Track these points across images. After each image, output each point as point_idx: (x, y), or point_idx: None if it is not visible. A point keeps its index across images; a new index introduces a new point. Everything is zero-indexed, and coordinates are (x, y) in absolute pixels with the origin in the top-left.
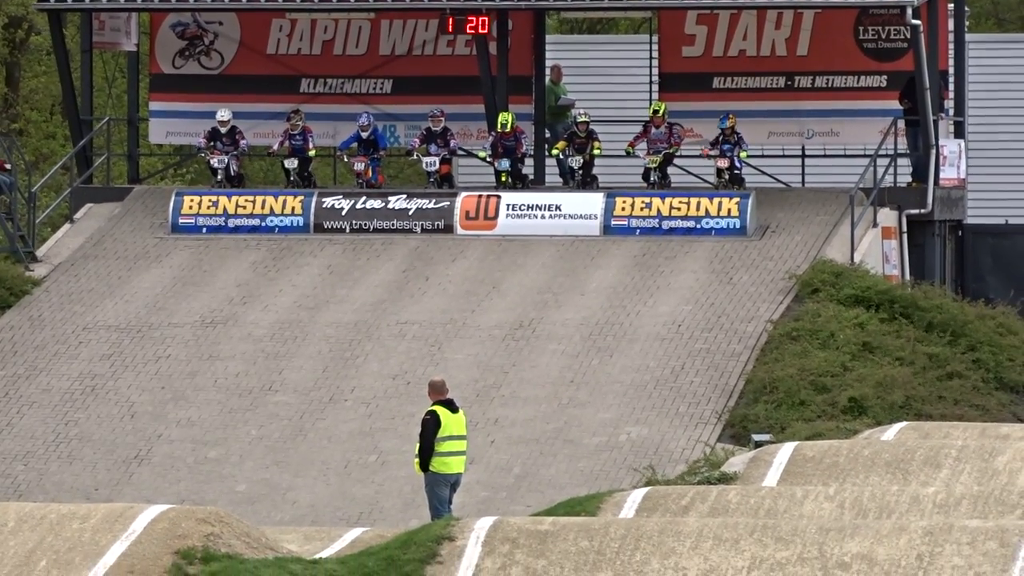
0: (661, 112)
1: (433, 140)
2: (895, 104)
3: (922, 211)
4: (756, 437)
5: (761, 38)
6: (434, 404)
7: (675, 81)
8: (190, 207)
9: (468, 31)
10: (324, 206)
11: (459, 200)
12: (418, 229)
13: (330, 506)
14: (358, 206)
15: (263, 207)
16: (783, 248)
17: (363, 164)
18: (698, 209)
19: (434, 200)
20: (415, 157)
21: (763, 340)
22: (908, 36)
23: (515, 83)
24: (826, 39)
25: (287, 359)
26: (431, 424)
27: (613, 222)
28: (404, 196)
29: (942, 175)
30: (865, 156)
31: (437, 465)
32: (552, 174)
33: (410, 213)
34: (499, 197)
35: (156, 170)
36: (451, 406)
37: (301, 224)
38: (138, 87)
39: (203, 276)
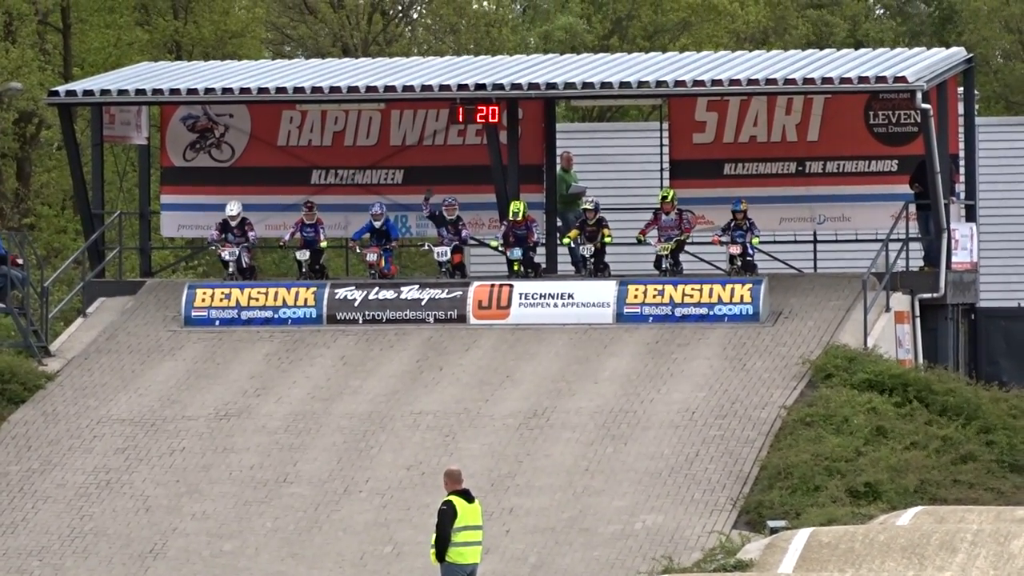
0: (670, 198)
1: (444, 226)
2: (906, 188)
3: (935, 295)
4: (771, 523)
5: (772, 124)
6: (450, 494)
7: (686, 168)
8: (203, 300)
9: (478, 120)
10: (337, 297)
11: (472, 290)
12: (431, 319)
13: None
14: (371, 297)
15: (276, 299)
16: (796, 334)
17: (376, 255)
18: (711, 296)
19: (447, 290)
20: (426, 247)
21: (777, 426)
22: (918, 120)
23: (526, 172)
24: (837, 124)
25: (301, 451)
26: (448, 514)
27: (626, 310)
28: (417, 286)
29: (954, 259)
30: (877, 241)
31: (453, 556)
32: (564, 262)
33: (423, 303)
34: (512, 286)
35: (168, 263)
36: (467, 496)
37: (314, 316)
38: (149, 180)
39: (216, 369)
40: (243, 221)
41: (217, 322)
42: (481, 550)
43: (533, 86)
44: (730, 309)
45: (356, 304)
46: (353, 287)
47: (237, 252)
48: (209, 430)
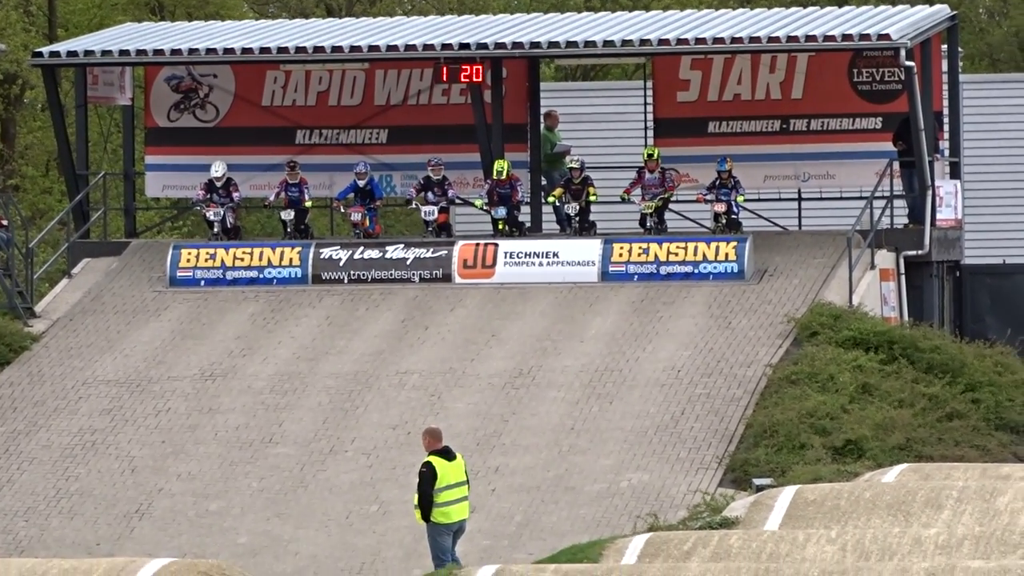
0: (654, 156)
1: (431, 188)
2: (890, 146)
3: (919, 252)
4: (757, 481)
5: (756, 82)
6: (430, 454)
7: (670, 126)
8: (188, 260)
9: (463, 80)
10: (322, 257)
11: (457, 249)
12: (416, 279)
13: (332, 557)
14: (356, 256)
15: (261, 259)
16: (781, 292)
17: (360, 214)
18: (695, 254)
19: (432, 249)
20: (413, 206)
21: (762, 384)
22: (902, 78)
23: (510, 131)
24: (821, 82)
25: (287, 411)
26: (428, 476)
27: (611, 268)
28: (402, 246)
29: (939, 216)
30: (861, 198)
31: (438, 516)
32: (549, 221)
33: (408, 263)
34: (496, 245)
35: (153, 224)
36: (447, 454)
37: (299, 275)
38: (133, 141)
39: (202, 329)
40: (228, 181)
41: (202, 282)
42: (468, 505)
43: (517, 45)
44: (715, 267)
45: (341, 264)
46: (338, 247)
47: (222, 212)
48: (195, 390)
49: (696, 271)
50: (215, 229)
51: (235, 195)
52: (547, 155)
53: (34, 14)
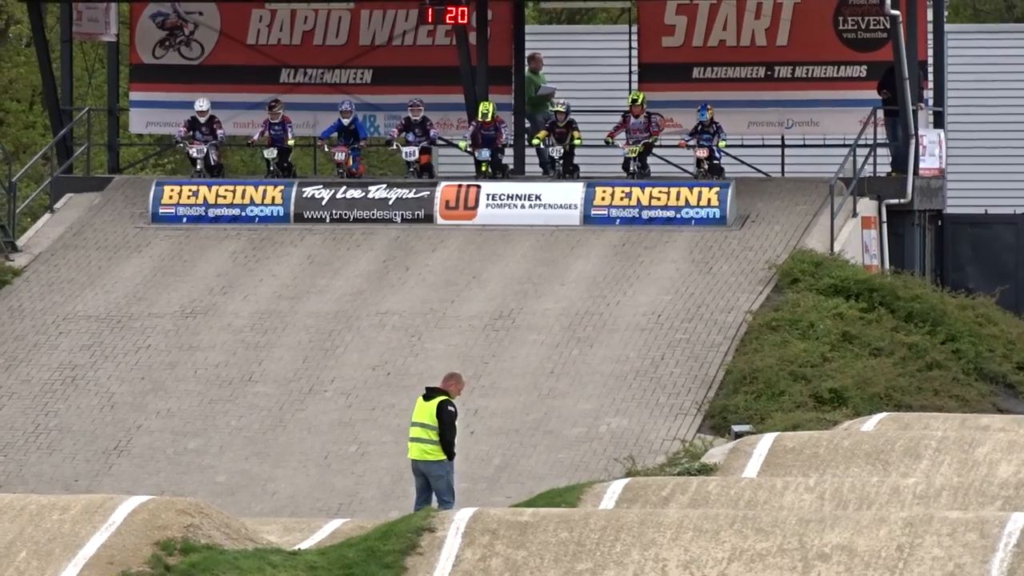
0: (640, 101)
1: (412, 129)
2: (875, 94)
3: (902, 201)
4: (736, 428)
5: (741, 28)
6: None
7: (655, 71)
8: (170, 197)
9: (448, 21)
10: (304, 196)
11: (439, 190)
12: (398, 219)
13: (310, 497)
14: (338, 196)
15: (243, 197)
16: (763, 238)
17: (344, 154)
18: (678, 199)
19: (414, 190)
20: (395, 147)
21: (743, 331)
22: (887, 26)
23: (495, 73)
24: (806, 29)
25: (267, 349)
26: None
27: (593, 212)
28: (384, 186)
29: (922, 165)
30: (845, 146)
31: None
32: (532, 164)
33: (390, 203)
34: (479, 187)
35: (136, 160)
36: (426, 394)
37: (281, 214)
38: (118, 77)
39: (183, 266)
40: (212, 119)
41: (184, 219)
42: (422, 448)
43: None
44: (697, 212)
45: (323, 203)
46: (320, 186)
47: (205, 149)
48: (175, 328)
49: (678, 216)
50: (198, 166)
51: (219, 132)
52: (531, 98)
53: None
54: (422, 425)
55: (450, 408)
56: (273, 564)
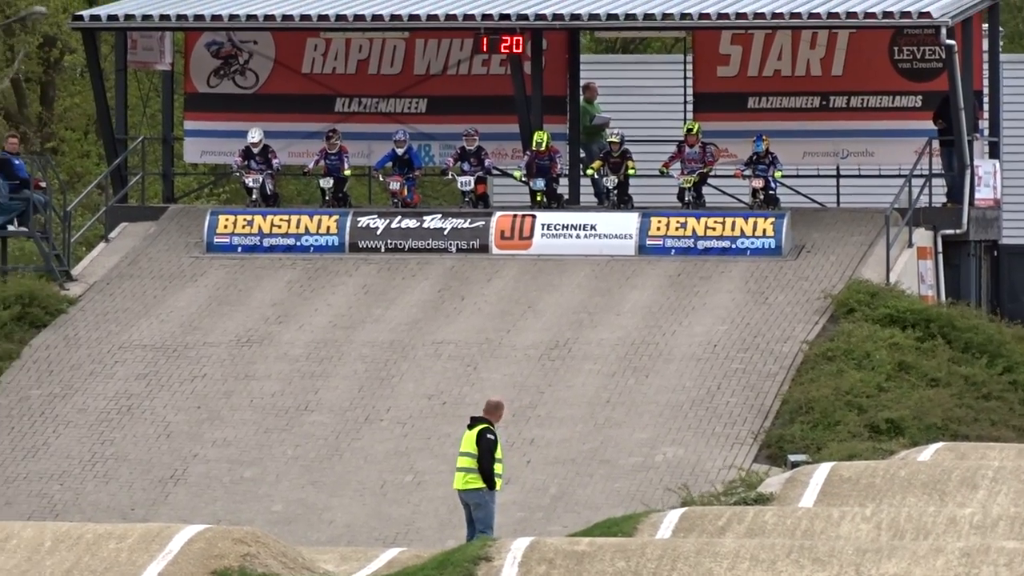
0: (695, 131)
1: (467, 159)
2: (930, 124)
3: (957, 231)
4: (792, 458)
5: (796, 58)
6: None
7: (709, 101)
8: (225, 226)
9: (502, 51)
10: (359, 225)
11: (494, 220)
12: (453, 249)
13: (366, 526)
14: (393, 225)
15: (298, 226)
16: (818, 268)
17: (398, 183)
18: (733, 229)
19: (469, 220)
20: (450, 176)
21: (799, 360)
22: (943, 56)
23: (549, 103)
24: (861, 59)
25: (323, 379)
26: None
27: (648, 242)
28: (439, 215)
29: (977, 195)
30: (900, 176)
31: None
32: (587, 194)
33: (445, 232)
34: (534, 217)
35: (191, 189)
36: (471, 422)
37: (336, 243)
38: (173, 106)
39: (238, 295)
40: (266, 148)
41: (239, 248)
42: (464, 477)
43: (557, 17)
44: (752, 243)
45: (379, 232)
46: (376, 215)
47: (260, 179)
48: (230, 357)
49: (733, 246)
50: (253, 196)
51: (274, 162)
52: (586, 127)
53: None
54: (465, 454)
55: (489, 436)
56: None
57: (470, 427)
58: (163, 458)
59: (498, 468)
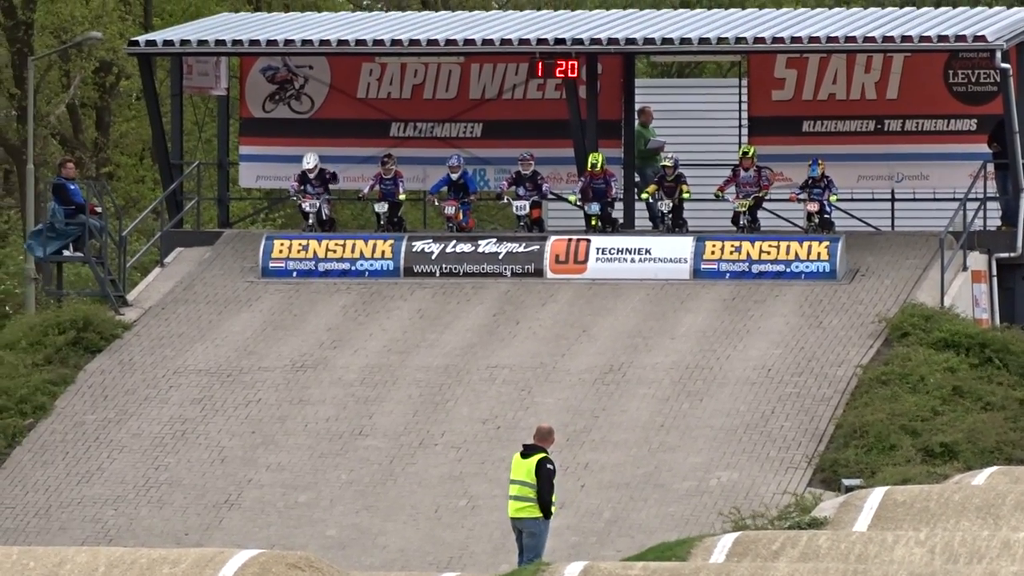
0: (750, 154)
1: (523, 183)
2: (985, 147)
3: (1012, 255)
4: (846, 482)
5: (851, 82)
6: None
7: (764, 125)
8: (280, 251)
9: (557, 75)
10: (414, 250)
11: (549, 244)
12: (508, 273)
13: (420, 551)
14: (448, 250)
15: (353, 251)
16: (873, 292)
17: (453, 208)
18: (788, 253)
19: (524, 244)
20: (505, 201)
21: (853, 384)
22: (997, 80)
23: (604, 127)
24: (916, 83)
25: (377, 403)
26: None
27: (703, 266)
28: (494, 240)
29: None
30: (955, 200)
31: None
32: (642, 218)
33: (500, 257)
34: (589, 241)
35: (246, 214)
36: (524, 451)
37: (391, 268)
38: (228, 131)
39: (293, 320)
40: (322, 172)
41: (294, 273)
42: (519, 505)
43: (612, 41)
44: (807, 266)
45: (433, 257)
46: (430, 240)
47: (318, 204)
48: (285, 381)
49: (788, 270)
50: (310, 220)
51: (333, 178)
52: (641, 151)
53: (130, 2)
54: (521, 483)
55: (549, 466)
56: None
57: (524, 455)
58: (217, 483)
59: (553, 496)
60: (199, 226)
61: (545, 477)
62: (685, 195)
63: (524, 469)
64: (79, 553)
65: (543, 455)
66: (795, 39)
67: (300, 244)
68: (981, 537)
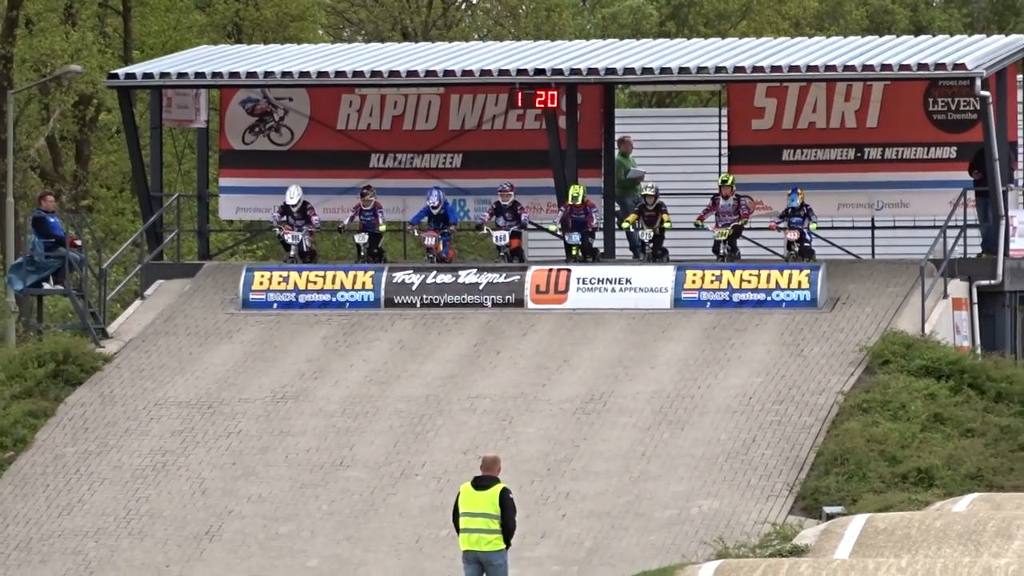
0: (730, 183)
1: (502, 213)
2: (965, 175)
3: (992, 282)
4: (827, 509)
5: (831, 110)
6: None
7: (744, 154)
8: (261, 283)
9: (537, 105)
10: (395, 281)
11: (529, 274)
12: (489, 303)
13: None
14: (428, 281)
15: (334, 282)
16: (853, 320)
17: (434, 239)
18: (768, 281)
19: (504, 274)
20: (485, 231)
21: (834, 412)
22: (977, 107)
23: (584, 156)
24: (895, 111)
25: (358, 434)
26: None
27: (683, 295)
28: (475, 270)
29: (1012, 245)
30: (935, 227)
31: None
32: (622, 247)
33: (480, 287)
34: (569, 271)
35: (226, 246)
36: (476, 483)
37: (372, 299)
38: (208, 163)
39: (274, 352)
40: (304, 205)
41: (275, 305)
42: (486, 539)
43: (592, 71)
44: (788, 295)
45: (414, 288)
46: (411, 271)
47: (300, 236)
48: (266, 413)
49: (769, 299)
50: (292, 252)
51: (313, 219)
52: (621, 181)
53: (110, 36)
54: (483, 515)
55: (510, 496)
56: None
57: (478, 487)
58: (198, 514)
59: None
60: (179, 258)
61: (511, 507)
62: (666, 224)
63: (486, 501)
64: None
65: (502, 485)
66: (775, 68)
67: (281, 276)
68: (962, 564)
